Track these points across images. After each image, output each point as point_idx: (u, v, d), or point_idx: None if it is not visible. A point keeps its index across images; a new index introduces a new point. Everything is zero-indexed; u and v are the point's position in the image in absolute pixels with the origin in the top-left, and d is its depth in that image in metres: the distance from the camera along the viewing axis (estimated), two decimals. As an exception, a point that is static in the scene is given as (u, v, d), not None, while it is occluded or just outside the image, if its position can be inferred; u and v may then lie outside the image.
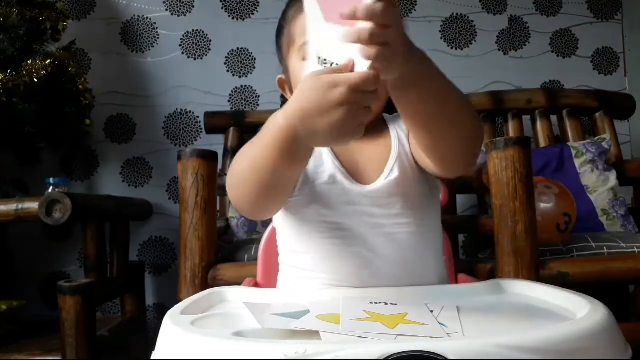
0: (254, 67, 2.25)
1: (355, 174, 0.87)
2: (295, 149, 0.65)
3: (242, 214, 0.83)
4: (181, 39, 2.25)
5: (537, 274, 1.28)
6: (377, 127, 0.92)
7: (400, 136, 0.90)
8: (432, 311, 0.66)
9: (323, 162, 0.87)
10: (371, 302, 0.69)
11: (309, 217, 0.86)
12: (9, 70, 1.73)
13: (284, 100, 1.05)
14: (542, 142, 2.05)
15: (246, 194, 0.75)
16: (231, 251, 1.58)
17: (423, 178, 0.88)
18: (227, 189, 0.79)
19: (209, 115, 2.12)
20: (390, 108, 0.99)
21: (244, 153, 0.75)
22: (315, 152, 0.88)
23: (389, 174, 0.85)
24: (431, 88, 0.67)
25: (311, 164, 0.87)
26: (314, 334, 0.56)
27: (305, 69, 0.66)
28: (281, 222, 0.92)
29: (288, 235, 0.91)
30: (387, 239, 0.84)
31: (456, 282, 1.01)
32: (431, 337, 0.55)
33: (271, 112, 1.47)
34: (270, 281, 1.01)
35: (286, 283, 0.92)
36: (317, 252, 0.86)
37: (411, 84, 0.65)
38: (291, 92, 0.94)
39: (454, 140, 0.74)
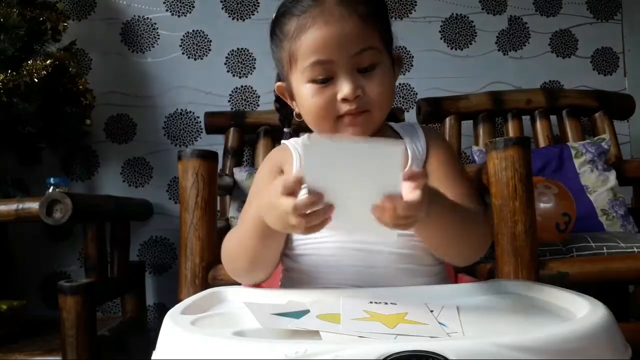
0: (254, 68, 2.25)
1: None
2: (268, 230, 0.74)
3: (239, 281, 0.93)
4: (181, 39, 2.26)
5: (536, 274, 1.29)
6: (383, 135, 0.93)
7: (416, 155, 0.92)
8: (432, 311, 0.66)
9: None
10: (371, 302, 0.70)
11: None
12: (9, 71, 1.72)
13: (280, 105, 1.05)
14: (542, 142, 2.05)
15: (239, 267, 0.86)
16: (231, 251, 1.58)
17: None
18: (223, 262, 0.89)
19: (209, 115, 2.12)
20: (394, 117, 1.00)
21: (233, 235, 0.88)
22: None
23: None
24: (445, 224, 0.76)
25: None
26: (314, 334, 0.57)
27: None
28: None
29: (288, 239, 0.91)
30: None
31: (456, 282, 1.01)
32: (431, 337, 0.55)
33: (271, 112, 1.48)
34: (271, 281, 1.01)
35: (287, 286, 0.92)
36: (317, 252, 0.86)
37: (427, 224, 0.71)
38: (292, 99, 0.94)
39: (462, 252, 0.83)
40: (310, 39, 0.82)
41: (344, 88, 0.82)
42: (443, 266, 0.92)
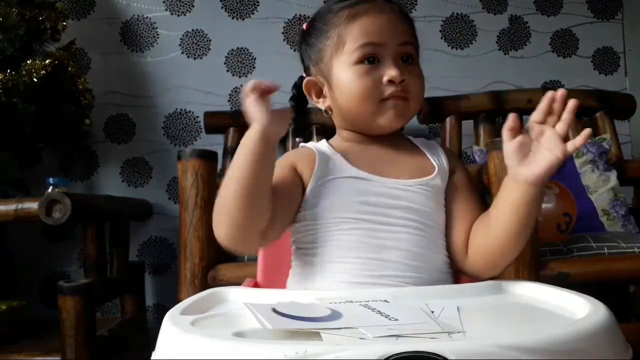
0: (254, 67, 2.25)
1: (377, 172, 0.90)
2: (256, 148, 0.77)
3: (227, 243, 0.81)
4: (181, 39, 2.25)
5: (537, 274, 1.28)
6: (400, 142, 0.96)
7: (442, 167, 0.93)
8: (432, 311, 0.65)
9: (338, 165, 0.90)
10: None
11: (328, 208, 0.87)
12: (8, 70, 1.73)
13: (298, 98, 1.03)
14: (543, 142, 2.04)
15: (232, 208, 0.77)
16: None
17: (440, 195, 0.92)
18: (215, 220, 0.80)
19: (208, 115, 2.12)
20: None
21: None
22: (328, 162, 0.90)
23: (431, 178, 0.90)
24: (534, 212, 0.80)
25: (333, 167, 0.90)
26: (314, 335, 0.56)
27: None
28: (298, 218, 0.91)
29: (305, 231, 0.90)
30: (397, 236, 0.85)
31: (457, 282, 1.00)
32: (432, 338, 0.55)
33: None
34: (271, 281, 1.01)
35: (297, 280, 0.91)
36: (331, 243, 0.86)
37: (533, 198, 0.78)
38: (318, 96, 0.96)
39: (507, 253, 0.84)
40: (364, 23, 0.89)
41: (391, 70, 0.87)
42: (450, 274, 0.91)
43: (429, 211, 0.88)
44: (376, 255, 0.84)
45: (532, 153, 0.76)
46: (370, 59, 0.88)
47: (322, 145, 0.96)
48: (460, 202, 0.92)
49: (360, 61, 0.88)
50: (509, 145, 0.78)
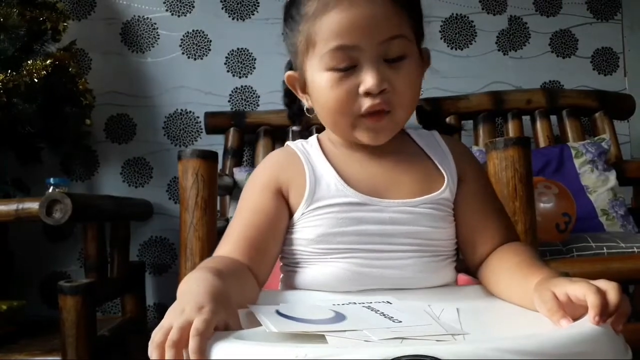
0: (254, 68, 2.25)
1: (374, 191, 0.78)
2: None
3: None
4: (181, 39, 2.25)
5: (537, 275, 1.28)
6: (401, 143, 0.84)
7: (450, 171, 0.81)
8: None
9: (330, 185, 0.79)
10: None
11: (319, 239, 0.77)
12: (9, 71, 1.73)
13: (289, 100, 0.94)
14: (542, 142, 2.05)
15: None
16: (231, 251, 1.58)
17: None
18: None
19: (209, 115, 2.12)
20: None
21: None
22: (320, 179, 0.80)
23: (438, 194, 0.79)
24: None
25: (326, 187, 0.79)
26: (318, 337, 0.56)
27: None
28: (291, 238, 0.81)
29: (291, 252, 0.82)
30: (397, 263, 0.77)
31: (456, 282, 1.00)
32: (437, 340, 0.55)
33: (271, 112, 1.45)
34: (270, 282, 1.01)
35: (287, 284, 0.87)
36: (320, 271, 0.78)
37: None
38: (304, 90, 0.83)
39: None
40: (333, 20, 0.72)
41: (368, 80, 0.72)
42: (453, 281, 0.86)
43: (436, 230, 0.78)
44: (372, 287, 0.76)
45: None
46: (343, 67, 0.73)
47: (313, 147, 0.84)
48: (475, 220, 0.81)
49: (331, 68, 0.74)
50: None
